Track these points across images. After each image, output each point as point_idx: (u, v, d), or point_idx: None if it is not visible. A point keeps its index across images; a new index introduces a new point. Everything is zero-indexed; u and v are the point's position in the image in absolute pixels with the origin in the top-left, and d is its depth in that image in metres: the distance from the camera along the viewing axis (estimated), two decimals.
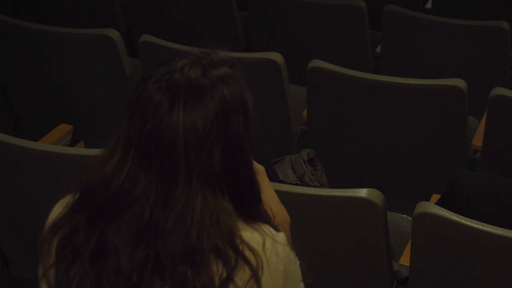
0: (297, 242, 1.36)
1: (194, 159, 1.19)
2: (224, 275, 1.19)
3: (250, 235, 1.23)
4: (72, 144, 2.88)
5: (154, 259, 1.19)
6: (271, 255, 1.23)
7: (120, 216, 1.21)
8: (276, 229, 1.28)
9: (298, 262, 1.30)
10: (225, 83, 1.22)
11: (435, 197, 2.33)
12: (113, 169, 1.22)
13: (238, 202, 1.25)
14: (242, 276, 1.20)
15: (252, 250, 1.21)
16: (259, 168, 1.35)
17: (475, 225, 1.80)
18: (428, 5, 4.67)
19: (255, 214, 1.28)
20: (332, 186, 2.62)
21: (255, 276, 1.20)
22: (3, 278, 2.41)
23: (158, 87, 1.21)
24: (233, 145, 1.21)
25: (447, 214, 1.83)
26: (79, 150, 2.17)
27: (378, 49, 3.74)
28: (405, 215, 2.60)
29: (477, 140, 2.82)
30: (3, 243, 2.39)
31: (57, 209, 1.31)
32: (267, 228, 1.26)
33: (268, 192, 1.40)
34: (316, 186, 2.50)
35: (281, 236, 1.26)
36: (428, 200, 2.05)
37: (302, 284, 1.31)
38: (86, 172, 1.27)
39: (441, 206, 1.86)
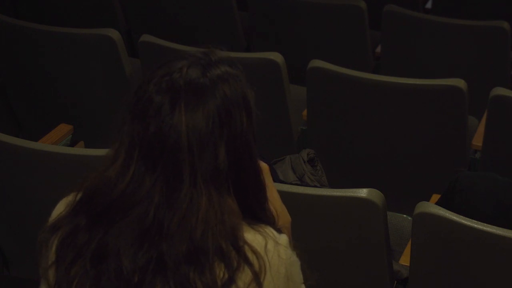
0: (297, 242, 1.36)
1: (198, 159, 1.19)
2: (226, 276, 1.19)
3: (252, 237, 1.23)
4: (72, 144, 2.88)
5: (157, 260, 1.19)
6: (273, 257, 1.23)
7: (123, 218, 1.21)
8: (279, 231, 1.28)
9: (299, 264, 1.30)
10: (225, 81, 1.22)
11: (435, 197, 2.33)
12: (117, 172, 1.22)
13: (243, 199, 1.25)
14: (244, 278, 1.20)
15: (254, 252, 1.21)
16: (263, 166, 1.35)
17: (475, 225, 1.80)
18: (428, 5, 4.67)
19: (260, 211, 1.28)
20: (332, 186, 2.62)
21: (257, 278, 1.20)
22: (3, 278, 2.41)
23: (158, 89, 1.21)
24: (237, 141, 1.22)
25: (447, 214, 1.83)
26: (79, 150, 2.17)
27: (378, 49, 3.74)
28: (405, 215, 2.60)
29: (477, 140, 2.82)
30: (3, 243, 2.39)
31: (60, 207, 1.31)
32: (269, 230, 1.26)
33: (272, 192, 1.40)
34: (316, 186, 2.49)
35: (283, 238, 1.27)
36: (428, 200, 2.05)
37: (303, 286, 1.31)
38: (89, 175, 1.27)
39: (441, 206, 1.86)
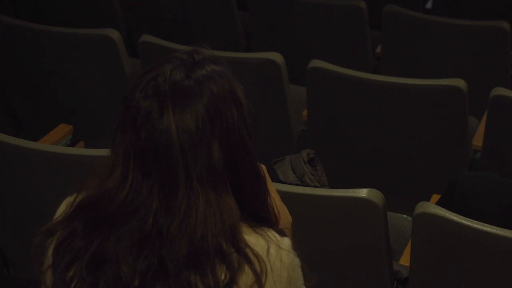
0: (297, 242, 1.36)
1: (192, 160, 1.19)
2: (228, 278, 1.19)
3: (254, 240, 1.23)
4: (72, 144, 2.88)
5: (157, 266, 1.18)
6: (275, 261, 1.23)
7: (122, 226, 1.21)
8: (281, 233, 1.28)
9: (300, 265, 1.30)
10: (211, 79, 1.22)
11: (435, 197, 2.33)
12: (115, 183, 1.22)
13: (243, 196, 1.24)
14: (246, 280, 1.20)
15: (256, 255, 1.21)
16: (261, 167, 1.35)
17: (475, 225, 1.80)
18: (428, 5, 4.67)
19: (261, 207, 1.28)
20: (332, 186, 2.62)
21: (259, 281, 1.20)
22: (3, 278, 2.41)
23: (145, 95, 1.21)
24: (231, 137, 1.22)
25: (447, 214, 1.83)
26: (79, 150, 2.17)
27: (378, 49, 3.74)
28: (405, 215, 2.60)
29: (477, 140, 2.82)
30: (3, 243, 2.39)
31: (63, 207, 1.31)
32: (272, 234, 1.25)
33: (271, 192, 1.40)
34: (316, 186, 2.49)
35: (286, 242, 1.26)
36: (428, 200, 2.05)
37: None
38: (89, 181, 1.27)
39: (441, 206, 1.86)
